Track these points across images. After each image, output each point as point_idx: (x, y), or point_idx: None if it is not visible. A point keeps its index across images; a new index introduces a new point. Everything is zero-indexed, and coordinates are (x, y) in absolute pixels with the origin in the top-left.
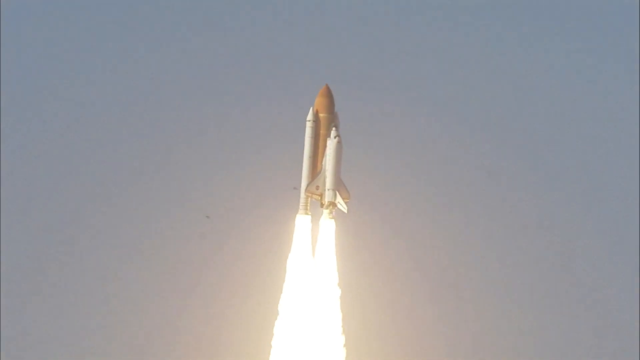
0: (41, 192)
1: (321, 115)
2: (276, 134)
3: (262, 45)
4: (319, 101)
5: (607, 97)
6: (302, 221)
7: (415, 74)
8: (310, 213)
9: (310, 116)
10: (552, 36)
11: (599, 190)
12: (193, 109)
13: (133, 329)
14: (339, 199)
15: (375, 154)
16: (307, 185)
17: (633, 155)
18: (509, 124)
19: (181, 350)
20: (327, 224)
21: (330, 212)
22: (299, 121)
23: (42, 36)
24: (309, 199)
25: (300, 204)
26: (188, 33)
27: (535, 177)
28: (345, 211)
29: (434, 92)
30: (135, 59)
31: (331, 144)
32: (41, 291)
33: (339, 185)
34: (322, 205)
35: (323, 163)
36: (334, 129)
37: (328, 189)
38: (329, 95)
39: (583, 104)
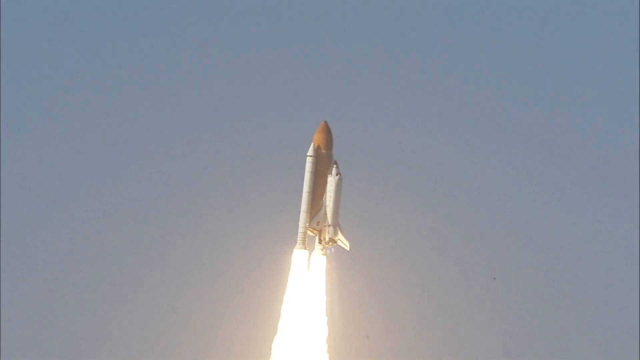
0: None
1: (322, 151)
2: (272, 169)
3: (258, 80)
4: (319, 137)
5: (607, 97)
6: (299, 256)
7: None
8: (307, 248)
9: (311, 152)
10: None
11: (599, 189)
12: (191, 144)
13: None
14: (340, 236)
15: (369, 192)
16: (310, 221)
17: (633, 156)
18: (508, 157)
19: None
20: (319, 261)
21: (324, 249)
22: (289, 157)
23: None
24: (307, 234)
25: (299, 239)
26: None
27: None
28: (348, 248)
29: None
30: (132, 84)
31: (332, 180)
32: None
33: (337, 223)
34: (320, 241)
35: (323, 199)
36: (335, 166)
37: (329, 225)
38: (329, 132)
39: (582, 103)
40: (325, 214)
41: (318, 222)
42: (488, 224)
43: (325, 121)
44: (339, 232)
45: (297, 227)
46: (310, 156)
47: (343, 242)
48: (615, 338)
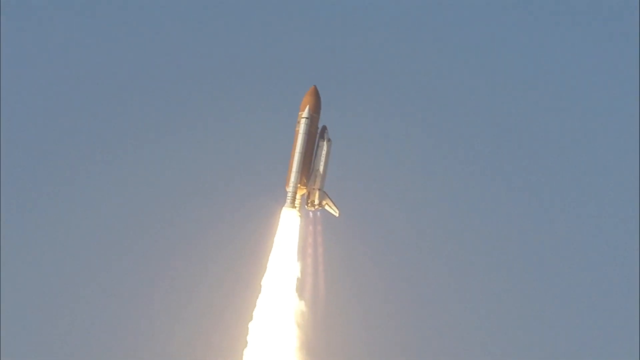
0: None
1: (313, 114)
2: (262, 131)
3: (245, 39)
4: (310, 100)
5: (607, 96)
6: (288, 214)
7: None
8: (296, 207)
9: (306, 113)
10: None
11: (599, 190)
12: (184, 104)
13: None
14: (328, 201)
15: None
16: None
17: (633, 156)
18: (503, 128)
19: (156, 340)
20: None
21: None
22: (278, 120)
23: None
24: (296, 193)
25: (288, 198)
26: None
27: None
28: (337, 215)
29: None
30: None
31: (324, 145)
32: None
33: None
34: (310, 203)
35: (313, 163)
36: (325, 130)
37: (319, 189)
38: (318, 96)
39: (581, 104)
40: (316, 177)
41: (305, 181)
42: (478, 197)
43: (314, 85)
44: (327, 197)
45: (284, 187)
46: (306, 118)
47: (332, 208)
48: (615, 338)
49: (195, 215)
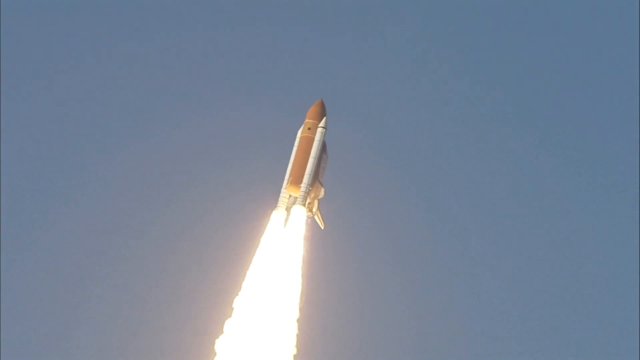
0: None
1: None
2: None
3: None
4: (321, 112)
5: (607, 96)
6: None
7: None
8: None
9: (323, 123)
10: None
11: (599, 189)
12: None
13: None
14: (318, 213)
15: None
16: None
17: (633, 156)
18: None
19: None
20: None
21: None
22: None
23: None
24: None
25: (300, 196)
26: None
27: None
28: (322, 227)
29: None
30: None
31: (326, 159)
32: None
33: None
34: (308, 209)
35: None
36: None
37: (318, 199)
38: (324, 108)
39: (580, 104)
40: (320, 186)
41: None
42: (475, 197)
43: (321, 99)
44: (319, 208)
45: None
46: (323, 127)
47: (320, 219)
48: (615, 338)
49: (191, 211)
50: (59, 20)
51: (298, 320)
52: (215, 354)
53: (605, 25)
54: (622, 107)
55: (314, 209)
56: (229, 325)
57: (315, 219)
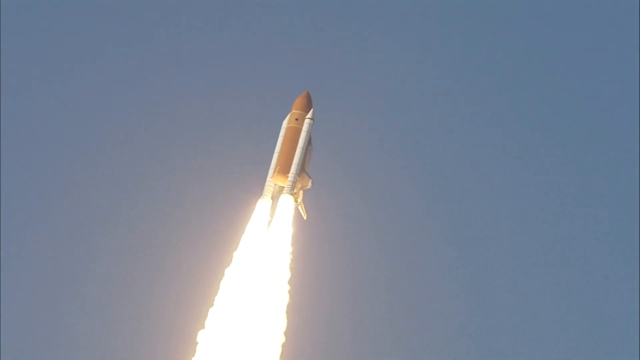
0: None
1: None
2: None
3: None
4: (308, 104)
5: (607, 96)
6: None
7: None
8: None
9: (311, 114)
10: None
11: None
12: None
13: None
14: (301, 204)
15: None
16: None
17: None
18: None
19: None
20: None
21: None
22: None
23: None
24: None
25: (288, 185)
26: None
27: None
28: (305, 218)
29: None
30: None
31: (311, 150)
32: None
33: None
34: (294, 195)
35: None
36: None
37: (303, 190)
38: (310, 100)
39: (579, 104)
40: (306, 177)
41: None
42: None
43: (307, 91)
44: (302, 199)
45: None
46: (311, 119)
47: (303, 210)
48: (616, 338)
49: (187, 208)
50: (59, 20)
51: (288, 306)
52: (197, 343)
53: (605, 25)
54: (622, 107)
55: (299, 200)
56: (213, 314)
57: (299, 209)
